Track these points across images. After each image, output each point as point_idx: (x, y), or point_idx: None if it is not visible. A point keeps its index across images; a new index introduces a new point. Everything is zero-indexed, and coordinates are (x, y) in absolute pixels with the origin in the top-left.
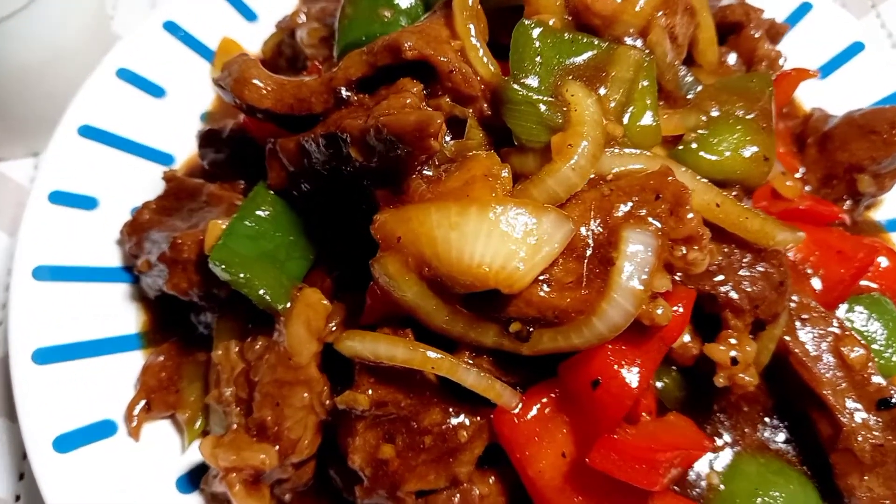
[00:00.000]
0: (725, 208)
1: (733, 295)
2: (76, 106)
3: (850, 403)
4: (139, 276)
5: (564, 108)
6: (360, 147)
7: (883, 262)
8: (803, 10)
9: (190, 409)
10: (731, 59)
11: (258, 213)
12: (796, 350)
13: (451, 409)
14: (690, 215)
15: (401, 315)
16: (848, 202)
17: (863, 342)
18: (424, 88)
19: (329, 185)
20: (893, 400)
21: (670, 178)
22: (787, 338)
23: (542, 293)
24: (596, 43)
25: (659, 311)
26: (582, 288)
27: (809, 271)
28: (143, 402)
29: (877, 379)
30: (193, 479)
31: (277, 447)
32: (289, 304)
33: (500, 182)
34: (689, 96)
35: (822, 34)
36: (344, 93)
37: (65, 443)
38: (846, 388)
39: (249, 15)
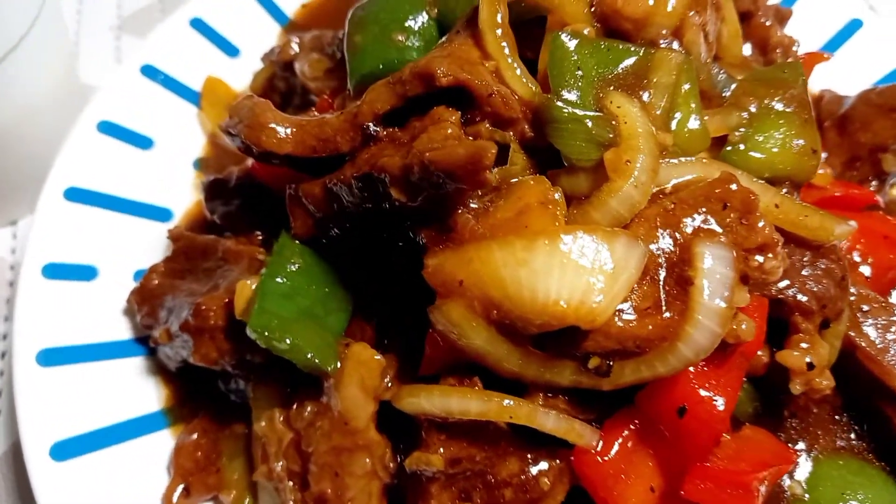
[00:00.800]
0: (784, 208)
1: (801, 297)
2: (59, 167)
3: None
4: (156, 348)
5: (613, 122)
6: (403, 186)
7: None
8: None
9: (235, 489)
10: (746, 48)
11: (289, 267)
12: (862, 344)
13: (528, 457)
14: (762, 223)
15: (465, 362)
16: (874, 183)
17: None
18: (461, 115)
19: (360, 227)
20: None
21: (734, 185)
22: (852, 333)
23: (620, 323)
24: (633, 49)
25: (743, 327)
26: (662, 312)
27: (858, 259)
28: (181, 488)
29: None
30: None
31: None
32: (338, 364)
33: (558, 208)
34: (724, 94)
35: (819, 14)
36: (372, 128)
37: None
38: None
39: (231, 50)
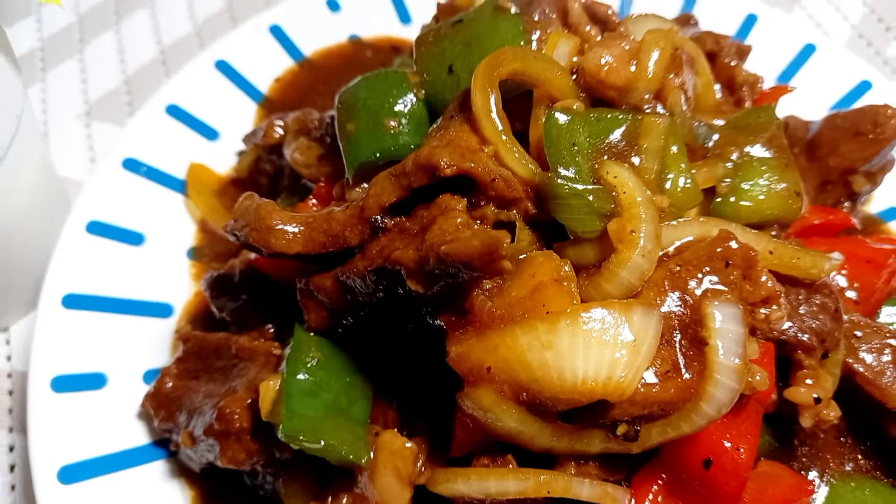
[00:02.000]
0: (779, 253)
1: (802, 336)
2: (53, 274)
3: None
4: (177, 451)
5: (612, 193)
6: (419, 278)
7: None
8: (750, 21)
9: None
10: (715, 88)
11: (308, 363)
12: (860, 369)
13: None
14: (764, 277)
15: (496, 442)
16: (846, 204)
17: None
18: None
19: (374, 314)
20: None
21: (734, 242)
22: (849, 359)
23: (643, 389)
24: (621, 117)
25: (758, 378)
26: (681, 374)
27: (844, 284)
28: None
29: None
30: None
31: None
32: (371, 455)
33: (572, 283)
34: (707, 145)
35: (773, 42)
36: (380, 221)
37: None
38: None
39: (210, 134)
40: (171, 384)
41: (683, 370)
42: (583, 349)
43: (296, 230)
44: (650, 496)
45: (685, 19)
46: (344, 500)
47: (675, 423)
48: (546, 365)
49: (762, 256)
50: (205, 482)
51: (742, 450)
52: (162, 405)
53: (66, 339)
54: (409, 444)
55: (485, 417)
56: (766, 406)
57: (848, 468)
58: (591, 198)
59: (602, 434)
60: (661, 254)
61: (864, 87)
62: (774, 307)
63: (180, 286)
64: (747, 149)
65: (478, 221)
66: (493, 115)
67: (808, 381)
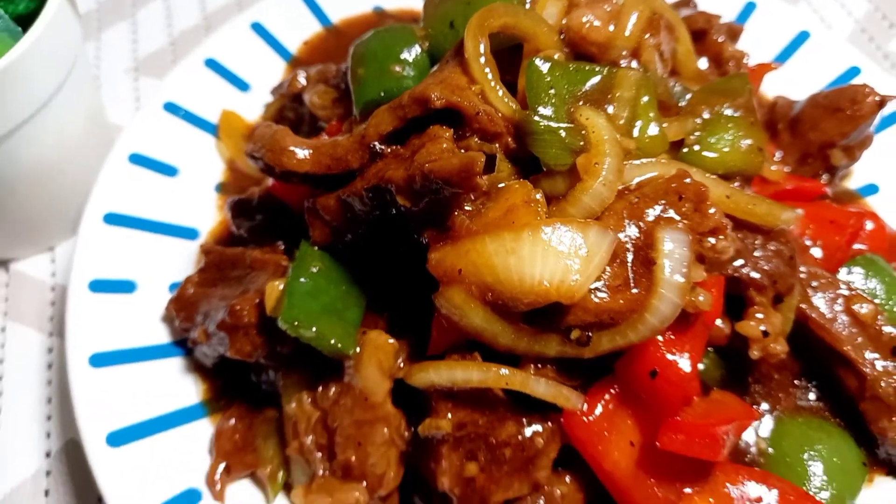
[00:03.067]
0: (735, 199)
1: (754, 275)
2: (97, 195)
3: (869, 355)
4: (192, 348)
5: (583, 132)
6: (407, 194)
7: (868, 225)
8: (749, 8)
9: (270, 465)
10: (703, 63)
11: (310, 270)
12: (813, 315)
13: (524, 421)
14: (713, 210)
15: (466, 341)
16: (825, 176)
17: (870, 299)
18: (453, 132)
19: (370, 233)
20: None
21: (688, 179)
22: (804, 305)
23: (596, 299)
24: (598, 69)
25: (701, 298)
26: (631, 289)
27: (809, 243)
28: (222, 466)
29: (888, 329)
30: None
31: (365, 484)
32: (357, 349)
33: (540, 205)
34: (681, 104)
35: (771, 28)
36: (378, 147)
37: None
38: (863, 341)
39: (242, 86)
40: (192, 290)
41: (633, 285)
42: (541, 256)
43: (305, 153)
44: (602, 403)
45: (685, 1)
46: (332, 390)
47: (623, 332)
48: (509, 268)
49: (719, 200)
50: (215, 377)
51: (685, 364)
52: (183, 308)
53: (104, 249)
54: (391, 341)
55: (455, 315)
56: (720, 339)
57: (800, 406)
58: (563, 134)
59: (558, 338)
60: (623, 188)
61: (853, 72)
62: (721, 237)
63: (207, 215)
64: (717, 108)
65: (462, 150)
66: (482, 59)
67: (759, 316)
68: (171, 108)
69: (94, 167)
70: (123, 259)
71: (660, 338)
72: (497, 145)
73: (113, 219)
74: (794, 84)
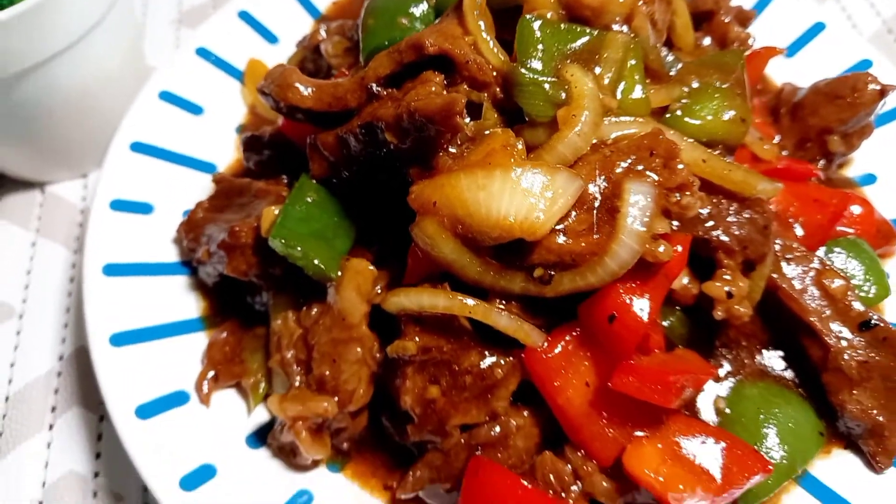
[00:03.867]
0: (711, 163)
1: (724, 238)
2: (127, 125)
3: (835, 327)
4: (197, 268)
5: (566, 87)
6: (395, 131)
7: (856, 209)
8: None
9: (254, 376)
10: (707, 42)
11: (306, 199)
12: (783, 285)
13: (486, 352)
14: (681, 166)
15: (439, 273)
16: (822, 162)
17: (843, 275)
18: (445, 78)
19: (365, 171)
20: (873, 321)
21: (661, 136)
22: (775, 275)
23: (560, 241)
24: (588, 31)
25: (661, 249)
26: (593, 234)
27: (792, 220)
28: (211, 374)
29: (857, 305)
30: (261, 436)
31: (336, 398)
32: (339, 273)
33: (517, 151)
34: (672, 73)
35: (787, 17)
36: (375, 88)
37: (145, 411)
38: (831, 314)
39: (271, 38)
40: (201, 215)
41: (596, 231)
42: (509, 194)
43: (309, 90)
44: (562, 343)
45: None
46: (315, 309)
47: (583, 274)
48: (478, 202)
49: (695, 163)
50: (215, 296)
51: (642, 311)
52: (191, 230)
53: (128, 173)
54: (371, 268)
55: (428, 245)
56: (687, 298)
57: (764, 373)
58: (547, 87)
59: (522, 275)
60: (600, 142)
61: (865, 64)
62: (688, 193)
63: (225, 152)
64: (706, 79)
65: None
66: (477, 12)
67: (726, 278)
68: (203, 53)
69: (128, 102)
70: (144, 184)
71: (621, 286)
72: (486, 94)
73: (139, 147)
74: (805, 73)
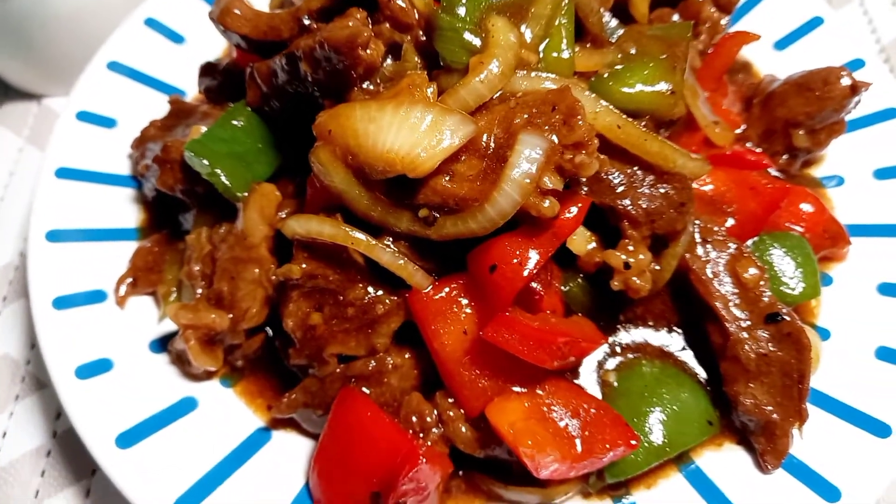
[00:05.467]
0: (626, 130)
1: (630, 208)
2: (109, 45)
3: (740, 315)
4: (142, 182)
5: (484, 35)
6: (310, 61)
7: (806, 207)
8: None
9: (168, 286)
10: (675, 19)
11: (234, 122)
12: (695, 267)
13: (372, 287)
14: (580, 123)
15: (336, 204)
16: (785, 157)
17: (760, 265)
18: (369, 16)
19: (292, 102)
20: (781, 315)
21: (567, 94)
22: (689, 256)
23: (445, 183)
24: None
25: (545, 204)
26: (479, 180)
27: (726, 206)
28: (130, 279)
29: (768, 297)
30: (164, 343)
31: (231, 315)
32: (246, 194)
33: (421, 91)
34: (613, 39)
35: (785, 9)
36: (306, 20)
37: (62, 302)
38: (739, 303)
39: None
40: (152, 132)
41: (482, 177)
42: (396, 128)
43: (248, 17)
44: (448, 289)
45: None
46: (223, 228)
47: (464, 219)
48: (367, 134)
49: (609, 128)
50: (153, 211)
51: (524, 265)
52: (140, 144)
53: (99, 89)
54: (276, 193)
55: (321, 173)
56: (588, 266)
57: (665, 355)
58: (465, 34)
59: (409, 214)
60: (510, 94)
61: (857, 64)
62: (584, 153)
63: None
64: (646, 49)
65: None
66: None
67: (630, 249)
68: None
69: (112, 28)
70: (112, 100)
71: (507, 238)
72: (408, 37)
73: (115, 66)
74: (794, 68)
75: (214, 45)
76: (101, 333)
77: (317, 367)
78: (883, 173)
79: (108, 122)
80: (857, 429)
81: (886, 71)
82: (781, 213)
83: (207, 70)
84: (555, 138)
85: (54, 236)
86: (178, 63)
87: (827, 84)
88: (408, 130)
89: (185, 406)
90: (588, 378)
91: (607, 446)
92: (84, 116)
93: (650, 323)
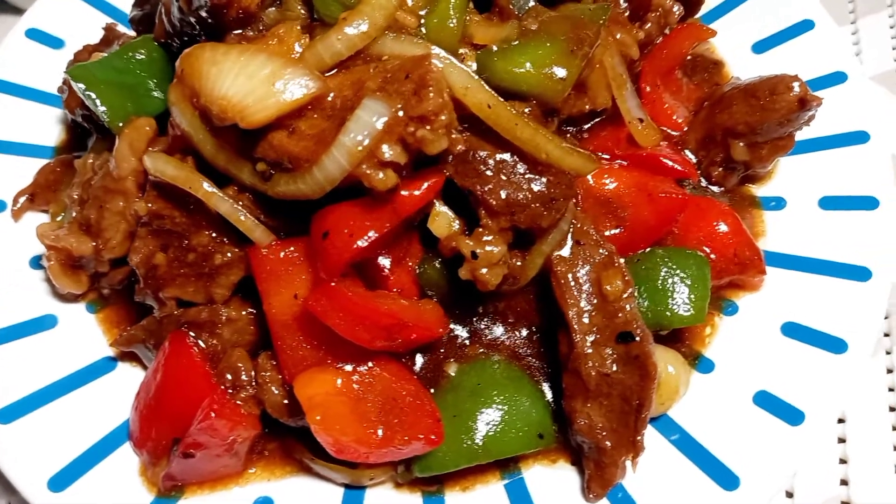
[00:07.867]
0: (497, 111)
1: (488, 196)
2: None
3: (590, 328)
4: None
5: None
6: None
7: (722, 227)
8: None
9: (59, 206)
10: (623, 4)
11: (134, 54)
12: (557, 269)
13: (216, 236)
14: (431, 95)
15: (192, 148)
16: (719, 169)
17: (628, 278)
18: None
19: (190, 44)
20: (634, 336)
21: (426, 63)
22: (555, 255)
23: (283, 138)
24: None
25: (380, 176)
26: (314, 141)
27: (620, 210)
28: (29, 194)
29: (628, 314)
30: None
31: (95, 243)
32: (122, 125)
33: (281, 42)
34: (520, 14)
35: (775, 9)
36: None
37: None
38: (594, 315)
39: None
40: (84, 56)
41: (319, 138)
42: (235, 74)
43: None
44: (287, 250)
45: None
46: (103, 157)
47: (296, 180)
48: (209, 77)
49: (479, 106)
50: (72, 135)
51: (355, 236)
52: (72, 64)
53: (57, 7)
54: (148, 128)
55: (173, 113)
56: (445, 251)
57: (517, 356)
58: None
59: (250, 167)
60: (375, 56)
61: (839, 77)
62: (428, 127)
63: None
64: (551, 28)
65: None
66: None
67: (486, 239)
68: None
69: None
70: (64, 22)
71: (346, 206)
72: None
73: None
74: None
75: None
76: None
77: (156, 308)
78: (829, 202)
79: (56, 42)
80: (707, 478)
81: (873, 88)
82: (692, 228)
83: (140, 1)
84: (401, 109)
85: None
86: None
87: (774, 94)
88: (245, 78)
89: (44, 322)
90: (429, 365)
91: (407, 438)
92: (33, 34)
93: (510, 320)
